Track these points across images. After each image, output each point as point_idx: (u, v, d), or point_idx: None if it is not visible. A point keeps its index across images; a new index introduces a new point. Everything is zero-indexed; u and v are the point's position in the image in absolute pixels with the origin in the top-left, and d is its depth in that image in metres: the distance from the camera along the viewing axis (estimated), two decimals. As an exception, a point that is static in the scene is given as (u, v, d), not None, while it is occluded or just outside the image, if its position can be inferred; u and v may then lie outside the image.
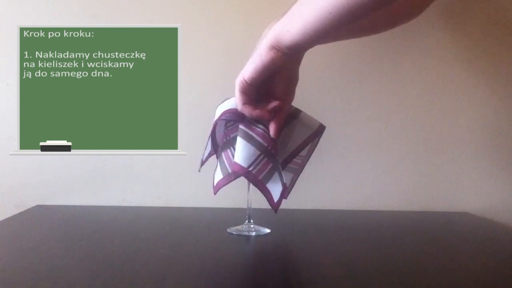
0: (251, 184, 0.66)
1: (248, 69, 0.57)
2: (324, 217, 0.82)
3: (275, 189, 0.62)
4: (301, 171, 0.66)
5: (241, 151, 0.60)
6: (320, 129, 0.65)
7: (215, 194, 0.64)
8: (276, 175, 0.61)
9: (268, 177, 0.61)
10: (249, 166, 0.60)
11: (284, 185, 0.62)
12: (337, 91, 0.87)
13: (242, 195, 0.68)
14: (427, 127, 0.87)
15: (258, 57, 0.56)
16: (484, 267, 0.54)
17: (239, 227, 0.68)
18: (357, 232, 0.70)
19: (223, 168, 0.63)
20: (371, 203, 0.87)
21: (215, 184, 0.64)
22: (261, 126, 0.61)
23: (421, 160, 0.87)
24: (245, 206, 0.68)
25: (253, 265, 0.55)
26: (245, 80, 0.57)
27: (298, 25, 0.51)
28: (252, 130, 0.60)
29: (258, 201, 0.68)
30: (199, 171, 0.67)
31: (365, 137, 0.87)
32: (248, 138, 0.60)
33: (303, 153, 0.65)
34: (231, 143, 0.63)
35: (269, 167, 0.60)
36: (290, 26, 0.52)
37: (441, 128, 0.87)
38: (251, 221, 0.68)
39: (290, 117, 0.64)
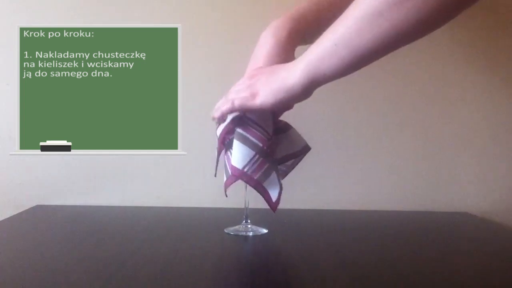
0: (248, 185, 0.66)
1: (266, 94, 0.56)
2: (324, 217, 0.82)
3: (273, 188, 0.61)
4: (283, 176, 0.67)
5: (237, 153, 0.60)
6: (305, 149, 0.66)
7: (226, 195, 0.63)
8: (274, 174, 0.61)
9: (265, 177, 0.61)
10: (244, 167, 0.60)
11: (280, 185, 0.62)
12: (337, 91, 0.87)
13: (241, 195, 0.68)
14: (427, 127, 0.87)
15: (283, 89, 0.55)
16: (484, 267, 0.54)
17: (236, 227, 0.68)
18: (357, 232, 0.70)
19: (226, 170, 0.64)
20: (371, 203, 0.87)
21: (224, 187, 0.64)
22: (258, 128, 0.61)
23: (421, 160, 0.87)
24: (249, 206, 0.68)
25: (251, 265, 0.55)
26: (258, 105, 0.57)
27: (336, 67, 0.51)
28: (248, 131, 0.61)
29: (256, 201, 0.68)
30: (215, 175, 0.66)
31: (365, 137, 0.87)
32: (243, 140, 0.60)
33: (288, 163, 0.66)
34: (230, 145, 0.63)
35: (266, 167, 0.60)
36: (327, 70, 0.52)
37: (441, 128, 0.87)
38: (248, 221, 0.68)
39: (279, 131, 0.64)
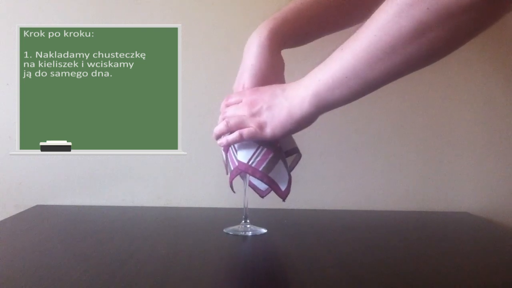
0: (247, 184, 0.66)
1: (274, 127, 0.57)
2: (324, 217, 0.82)
3: (281, 177, 0.62)
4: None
5: (241, 148, 0.61)
6: (295, 151, 0.66)
7: (233, 191, 0.64)
8: (280, 163, 0.61)
9: (271, 167, 0.61)
10: (249, 160, 0.60)
11: (289, 174, 0.62)
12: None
13: (241, 195, 0.68)
14: (427, 127, 0.87)
15: (291, 121, 0.55)
16: (484, 267, 0.54)
17: (235, 227, 0.68)
18: (357, 232, 0.70)
19: (228, 165, 0.65)
20: (371, 203, 0.87)
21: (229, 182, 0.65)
22: None
23: (421, 160, 0.87)
24: (249, 206, 0.68)
25: (249, 265, 0.55)
26: (268, 138, 0.57)
27: (345, 97, 0.51)
28: None
29: (255, 201, 0.68)
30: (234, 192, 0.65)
31: (365, 137, 0.87)
32: None
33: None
34: None
35: (270, 156, 0.60)
36: (336, 100, 0.52)
37: (441, 128, 0.87)
38: (248, 221, 0.68)
39: None
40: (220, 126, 0.61)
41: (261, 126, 0.57)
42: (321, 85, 0.52)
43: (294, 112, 0.55)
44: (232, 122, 0.59)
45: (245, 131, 0.58)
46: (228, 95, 0.63)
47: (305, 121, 0.55)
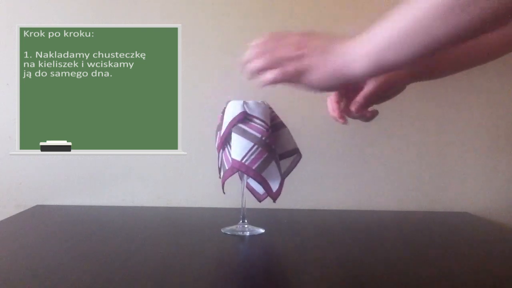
0: (245, 184, 0.66)
1: (319, 76, 0.51)
2: (324, 217, 0.82)
3: (274, 178, 0.62)
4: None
5: (236, 146, 0.61)
6: (295, 151, 0.66)
7: (223, 192, 0.64)
8: (273, 164, 0.62)
9: (264, 166, 0.61)
10: (243, 158, 0.60)
11: (282, 176, 0.62)
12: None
13: (239, 195, 0.68)
14: (427, 127, 0.87)
15: (343, 76, 0.49)
16: (484, 267, 0.54)
17: (233, 227, 0.68)
18: (357, 232, 0.70)
19: (223, 166, 0.65)
20: (371, 203, 0.87)
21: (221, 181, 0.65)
22: (258, 122, 0.61)
23: (421, 160, 0.87)
24: (247, 206, 0.68)
25: (247, 265, 0.55)
26: (308, 84, 0.52)
27: (405, 57, 0.46)
28: (248, 125, 0.61)
29: (253, 201, 0.68)
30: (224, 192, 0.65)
31: (365, 137, 0.87)
32: (242, 133, 0.61)
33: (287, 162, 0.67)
34: (227, 141, 0.64)
35: (265, 156, 0.61)
36: (396, 59, 0.46)
37: (441, 128, 0.87)
38: (245, 221, 0.68)
39: (274, 128, 0.65)
40: (259, 61, 0.53)
41: (305, 70, 0.51)
42: (383, 41, 0.46)
43: (350, 68, 0.49)
44: (272, 58, 0.53)
45: (284, 71, 0.51)
46: (276, 32, 0.56)
47: (358, 79, 0.50)
